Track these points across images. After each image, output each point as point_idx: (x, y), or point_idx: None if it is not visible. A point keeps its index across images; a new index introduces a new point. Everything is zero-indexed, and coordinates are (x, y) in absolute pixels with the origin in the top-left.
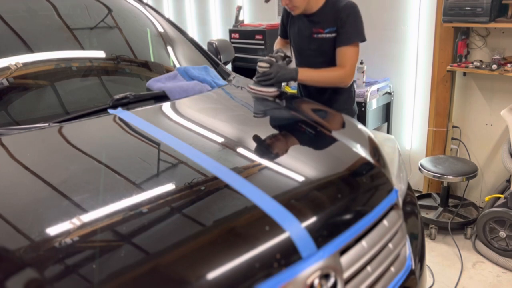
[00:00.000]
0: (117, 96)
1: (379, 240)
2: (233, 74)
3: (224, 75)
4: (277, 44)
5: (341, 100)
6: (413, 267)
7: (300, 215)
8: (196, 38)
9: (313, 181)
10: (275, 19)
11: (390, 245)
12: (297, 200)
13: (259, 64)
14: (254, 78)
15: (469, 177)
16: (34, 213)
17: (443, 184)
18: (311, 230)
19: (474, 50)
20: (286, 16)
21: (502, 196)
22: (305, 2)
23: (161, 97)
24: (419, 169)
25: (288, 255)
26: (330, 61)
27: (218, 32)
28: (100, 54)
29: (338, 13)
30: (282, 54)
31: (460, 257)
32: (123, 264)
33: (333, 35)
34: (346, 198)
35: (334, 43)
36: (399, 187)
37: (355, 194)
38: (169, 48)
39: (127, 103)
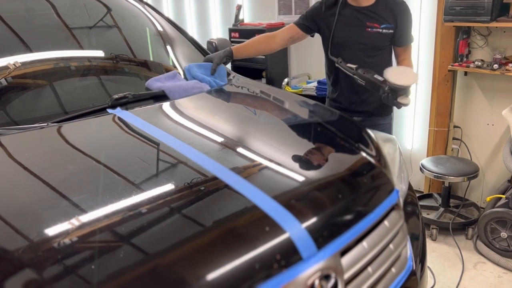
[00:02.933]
0: (116, 96)
1: (380, 241)
2: (233, 74)
3: None
4: (286, 29)
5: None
6: (414, 267)
7: (300, 216)
8: (196, 37)
9: (313, 181)
10: (275, 18)
11: (391, 245)
12: (297, 200)
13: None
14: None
15: (471, 177)
16: (33, 213)
17: (444, 184)
18: (311, 230)
19: (475, 49)
20: (326, 8)
21: (503, 196)
22: None
23: (161, 96)
24: (420, 169)
25: (288, 256)
26: (379, 56)
27: (218, 31)
28: (99, 53)
29: (395, 10)
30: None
31: (461, 257)
32: (122, 264)
33: (390, 31)
34: (347, 198)
35: (388, 40)
36: (400, 187)
37: (356, 195)
38: (169, 48)
39: (126, 103)
